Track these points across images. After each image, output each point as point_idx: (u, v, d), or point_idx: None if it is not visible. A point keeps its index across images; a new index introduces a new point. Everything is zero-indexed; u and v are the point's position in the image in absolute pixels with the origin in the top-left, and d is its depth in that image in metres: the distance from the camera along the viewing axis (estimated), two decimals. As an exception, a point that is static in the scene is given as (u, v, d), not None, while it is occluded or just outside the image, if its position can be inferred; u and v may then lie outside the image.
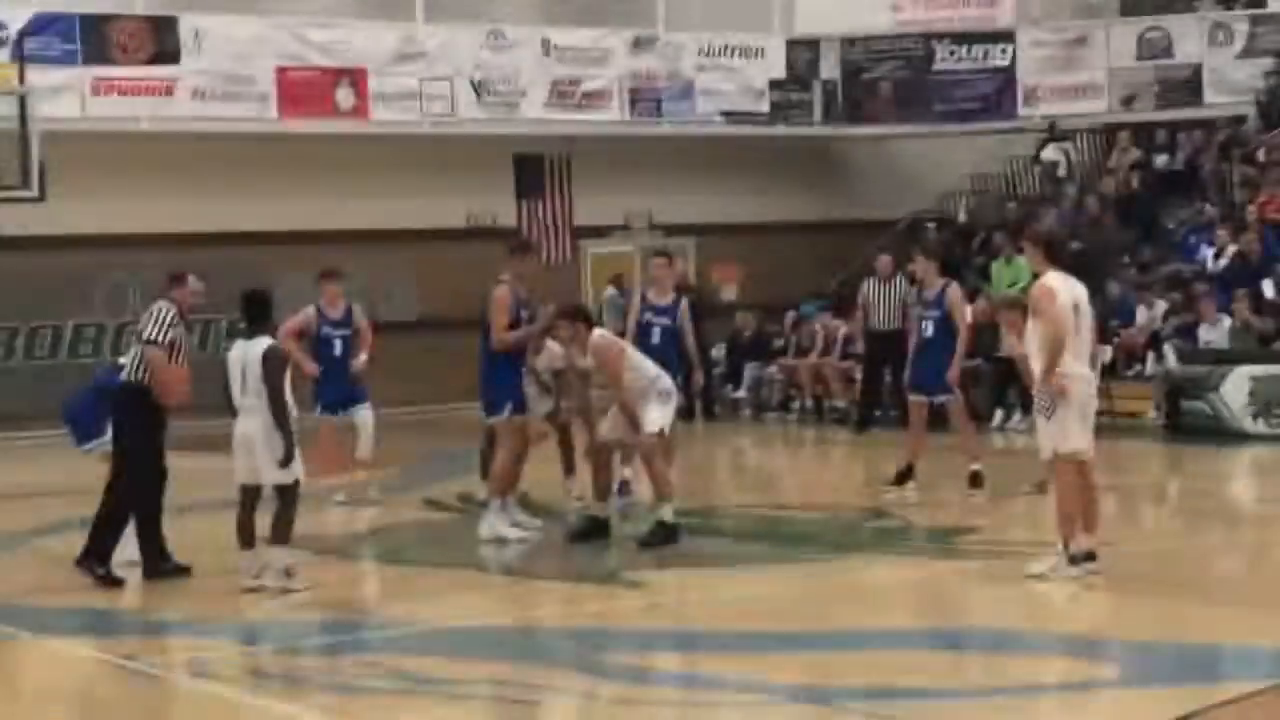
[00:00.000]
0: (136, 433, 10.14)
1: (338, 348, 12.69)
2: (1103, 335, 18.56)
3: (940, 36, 23.98)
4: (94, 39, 20.16)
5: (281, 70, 21.18)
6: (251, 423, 9.54)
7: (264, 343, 9.60)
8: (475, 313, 11.72)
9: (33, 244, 20.43)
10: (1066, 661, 7.84)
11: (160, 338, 10.09)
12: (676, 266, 14.07)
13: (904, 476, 13.06)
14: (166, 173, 21.25)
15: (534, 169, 23.61)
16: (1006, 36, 23.88)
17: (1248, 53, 23.05)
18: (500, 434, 11.04)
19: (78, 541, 11.98)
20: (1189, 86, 23.30)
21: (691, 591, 9.81)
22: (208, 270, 21.06)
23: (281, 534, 9.51)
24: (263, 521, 9.74)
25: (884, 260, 18.31)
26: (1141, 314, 19.06)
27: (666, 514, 10.73)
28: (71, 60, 20.03)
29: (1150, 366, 18.24)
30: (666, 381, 10.96)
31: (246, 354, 9.59)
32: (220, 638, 8.75)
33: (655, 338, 12.56)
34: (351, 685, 7.65)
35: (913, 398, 13.09)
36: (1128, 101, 23.67)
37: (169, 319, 10.15)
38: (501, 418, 10.95)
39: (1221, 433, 16.43)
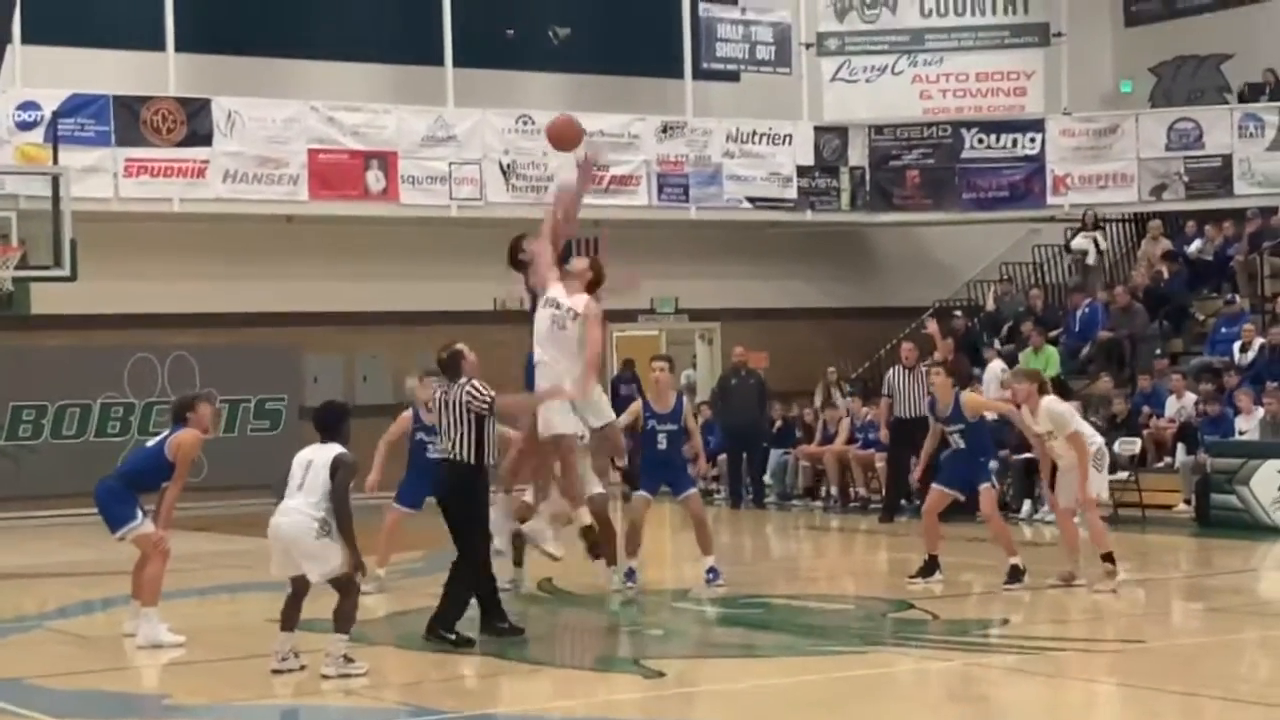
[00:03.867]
0: (471, 511, 10.44)
1: (430, 451, 12.49)
2: (1133, 426, 18.56)
3: (969, 125, 24.08)
4: (127, 120, 20.38)
5: (312, 152, 21.37)
6: (288, 520, 9.38)
7: (335, 449, 9.50)
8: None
9: (63, 323, 20.60)
10: (1092, 761, 7.72)
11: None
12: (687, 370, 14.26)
13: (929, 568, 12.94)
14: (197, 253, 21.42)
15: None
16: (1035, 125, 23.95)
17: (1278, 144, 23.07)
18: None
19: (99, 623, 12.01)
20: (1219, 177, 23.32)
21: (712, 682, 9.71)
22: (237, 351, 21.54)
23: (343, 624, 9.40)
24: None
25: (907, 348, 18.49)
26: (1171, 405, 18.97)
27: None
28: (104, 141, 20.25)
29: (1180, 458, 18.12)
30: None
31: (315, 457, 9.49)
32: (237, 724, 8.69)
33: (662, 444, 12.86)
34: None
35: (937, 486, 12.97)
36: (1158, 191, 23.69)
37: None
38: None
39: (1252, 526, 16.28)
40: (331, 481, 9.36)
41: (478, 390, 10.44)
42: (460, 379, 10.55)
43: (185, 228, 21.10)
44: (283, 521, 9.45)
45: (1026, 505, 18.08)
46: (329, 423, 9.70)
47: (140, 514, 10.65)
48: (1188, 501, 17.58)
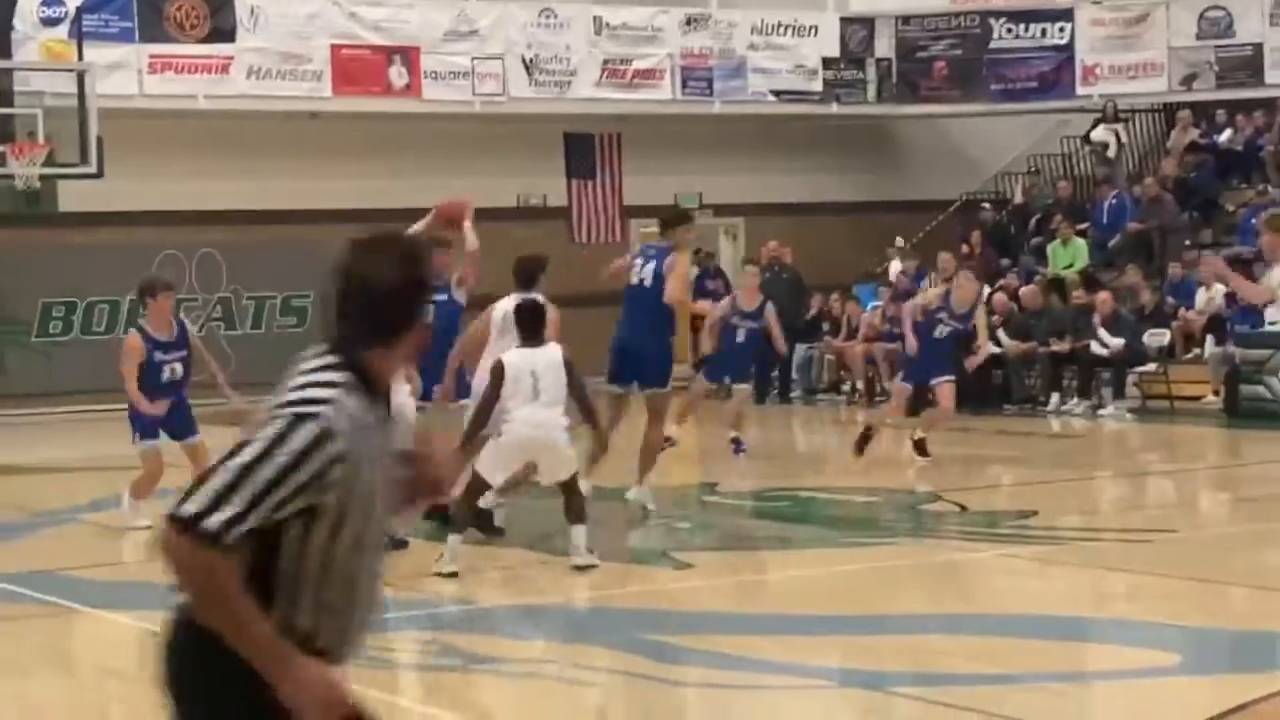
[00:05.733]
0: None
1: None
2: (1161, 318, 18.49)
3: (997, 14, 23.76)
4: (150, 16, 20.24)
5: (335, 48, 21.22)
6: (543, 433, 9.28)
7: (556, 348, 9.42)
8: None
9: (90, 220, 20.59)
10: (1122, 648, 7.76)
11: None
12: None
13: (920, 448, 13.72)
14: (221, 150, 21.35)
15: (584, 148, 23.57)
16: (1065, 14, 23.63)
17: (1311, 33, 22.76)
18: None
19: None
20: (1250, 66, 23.01)
21: (741, 574, 9.78)
22: (263, 247, 21.53)
23: (580, 516, 9.42)
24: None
25: (945, 258, 18.42)
26: (1201, 296, 18.88)
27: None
28: (128, 38, 20.11)
29: (1209, 349, 18.07)
30: None
31: (535, 361, 9.35)
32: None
33: (740, 337, 14.45)
34: (403, 663, 7.67)
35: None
36: (1188, 81, 23.40)
37: None
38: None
39: (1280, 417, 16.26)
40: (571, 379, 9.29)
41: None
42: None
43: (210, 124, 21.02)
44: (538, 435, 9.29)
45: (1055, 398, 18.08)
46: (538, 323, 9.50)
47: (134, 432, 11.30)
48: (1216, 393, 17.54)
